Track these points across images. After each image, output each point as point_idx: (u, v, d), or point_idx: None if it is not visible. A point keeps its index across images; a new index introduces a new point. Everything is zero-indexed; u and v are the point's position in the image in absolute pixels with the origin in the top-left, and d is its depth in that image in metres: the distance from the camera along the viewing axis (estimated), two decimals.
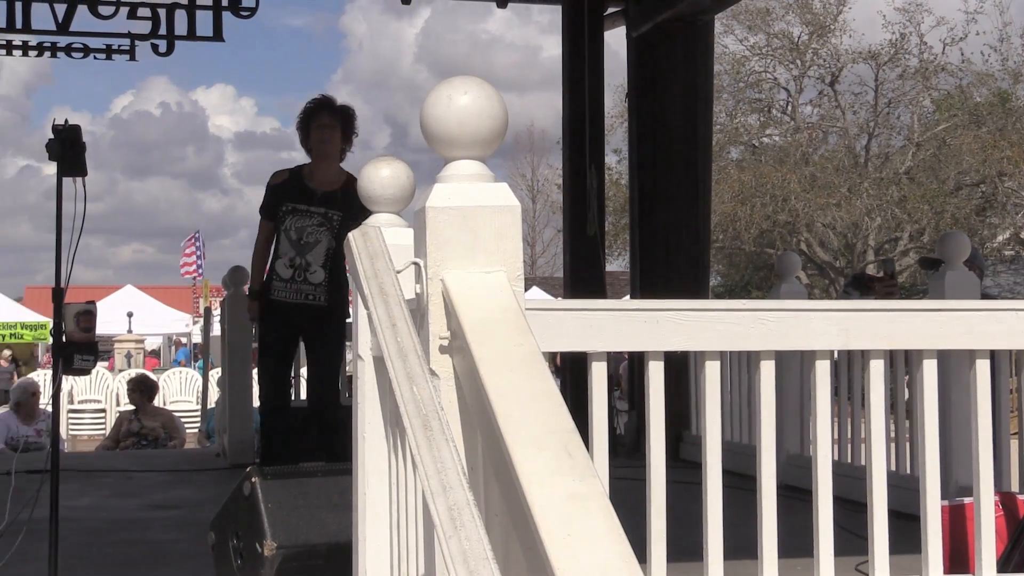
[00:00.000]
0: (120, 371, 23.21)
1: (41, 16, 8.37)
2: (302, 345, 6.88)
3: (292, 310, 5.99)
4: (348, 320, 6.34)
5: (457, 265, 2.42)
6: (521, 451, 1.96)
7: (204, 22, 8.70)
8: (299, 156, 7.09)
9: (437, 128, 2.49)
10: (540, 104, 69.78)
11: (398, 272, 2.41)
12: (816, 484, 3.24)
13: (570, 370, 9.23)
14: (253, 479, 4.27)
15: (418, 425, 1.91)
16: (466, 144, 2.49)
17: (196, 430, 13.90)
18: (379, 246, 2.46)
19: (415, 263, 2.48)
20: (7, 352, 31.96)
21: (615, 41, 10.20)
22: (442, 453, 1.83)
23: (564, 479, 1.92)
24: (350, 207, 6.13)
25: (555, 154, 44.52)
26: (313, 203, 6.31)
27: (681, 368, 8.01)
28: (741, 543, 3.38)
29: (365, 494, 2.91)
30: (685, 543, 3.24)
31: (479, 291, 2.37)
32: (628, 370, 11.91)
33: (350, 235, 2.55)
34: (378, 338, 2.26)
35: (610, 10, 9.91)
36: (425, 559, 2.41)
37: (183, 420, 13.44)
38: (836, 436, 6.27)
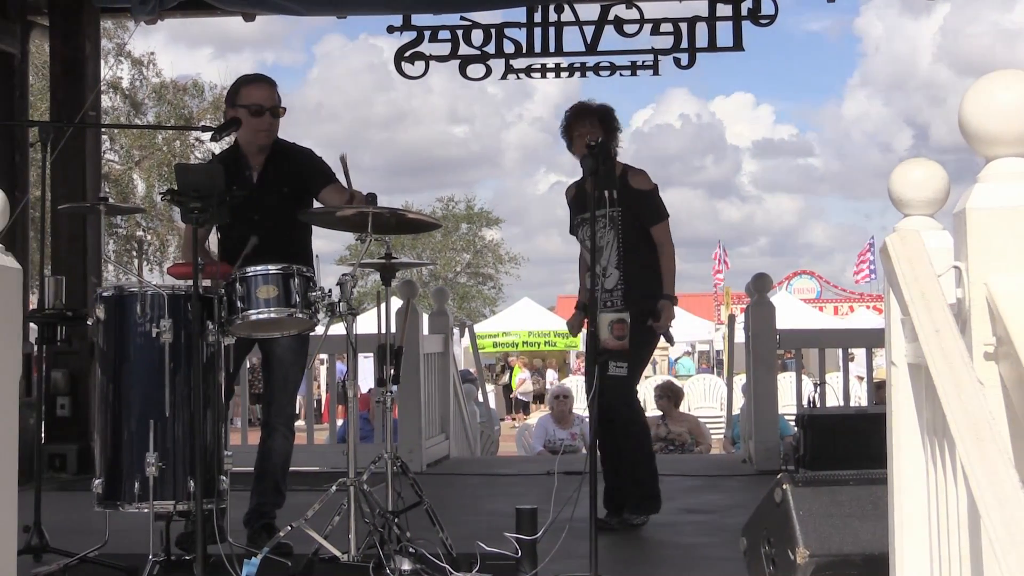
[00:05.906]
0: (646, 377, 23.88)
1: (571, 39, 8.84)
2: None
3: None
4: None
5: (1002, 268, 2.30)
6: None
7: (724, 33, 8.82)
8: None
9: (977, 126, 2.38)
10: None
11: (938, 276, 2.34)
12: None
13: None
14: (784, 486, 4.27)
15: (968, 435, 1.84)
16: (1009, 141, 2.36)
17: (721, 436, 14.06)
18: (919, 250, 2.39)
19: (955, 267, 2.39)
20: (537, 361, 33.82)
21: None
22: (995, 464, 1.75)
23: None
24: (625, 200, 6.05)
25: None
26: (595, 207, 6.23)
27: None
28: None
29: (902, 505, 2.83)
30: None
31: None
32: None
33: (887, 239, 2.50)
34: (920, 344, 2.19)
35: None
36: (972, 575, 2.31)
37: (707, 426, 13.66)
38: None
